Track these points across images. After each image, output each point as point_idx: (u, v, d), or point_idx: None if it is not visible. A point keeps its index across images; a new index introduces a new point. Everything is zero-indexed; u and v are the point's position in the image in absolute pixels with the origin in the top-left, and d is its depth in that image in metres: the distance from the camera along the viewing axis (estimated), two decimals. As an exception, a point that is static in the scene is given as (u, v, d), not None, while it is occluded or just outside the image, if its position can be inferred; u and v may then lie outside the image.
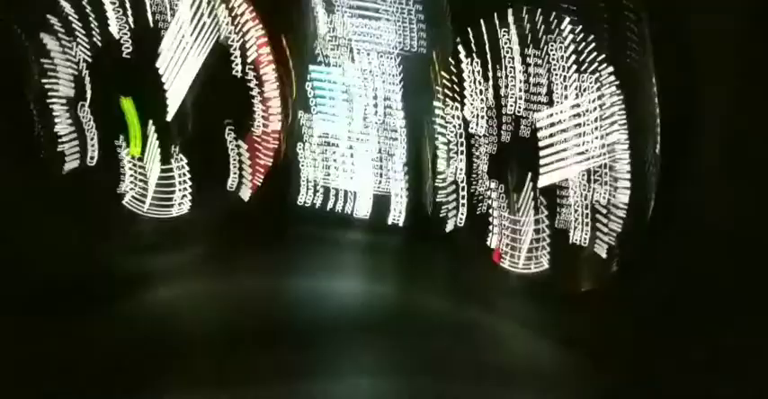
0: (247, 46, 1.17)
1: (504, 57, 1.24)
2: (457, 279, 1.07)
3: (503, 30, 1.24)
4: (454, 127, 1.24)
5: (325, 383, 0.57)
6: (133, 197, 1.13)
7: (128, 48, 1.14)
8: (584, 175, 1.28)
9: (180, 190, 1.15)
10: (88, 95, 1.11)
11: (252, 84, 1.17)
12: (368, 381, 0.59)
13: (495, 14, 1.24)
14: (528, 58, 1.25)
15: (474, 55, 1.21)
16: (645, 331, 1.07)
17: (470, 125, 1.26)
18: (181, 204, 1.15)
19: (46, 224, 1.03)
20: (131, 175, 1.13)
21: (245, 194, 1.17)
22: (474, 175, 1.25)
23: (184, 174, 1.14)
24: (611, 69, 1.27)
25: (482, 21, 1.24)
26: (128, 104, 1.12)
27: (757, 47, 0.97)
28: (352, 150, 1.23)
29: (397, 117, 1.25)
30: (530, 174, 1.23)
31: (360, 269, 0.96)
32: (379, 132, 1.24)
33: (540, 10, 1.27)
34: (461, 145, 1.25)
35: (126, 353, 0.67)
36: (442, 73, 1.19)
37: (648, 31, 1.17)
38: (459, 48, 1.18)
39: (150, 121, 1.12)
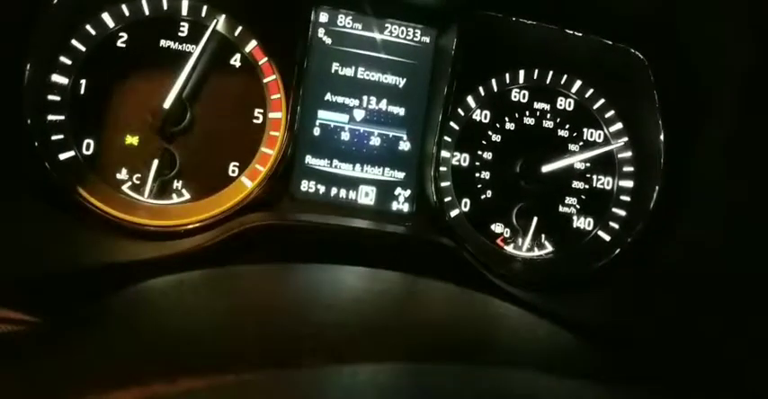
0: (243, 45, 1.15)
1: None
2: (461, 265, 1.06)
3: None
4: (459, 115, 1.26)
5: (328, 369, 0.55)
6: (132, 185, 1.11)
7: (122, 37, 1.15)
8: (588, 162, 1.29)
9: (180, 177, 1.13)
10: (83, 85, 1.08)
11: (249, 82, 1.15)
12: (371, 366, 0.57)
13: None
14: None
15: None
16: (648, 312, 1.07)
17: (475, 113, 1.30)
18: (181, 192, 1.13)
19: (40, 215, 1.00)
20: (130, 163, 1.10)
21: (247, 182, 1.15)
22: (478, 163, 1.27)
23: (185, 162, 1.12)
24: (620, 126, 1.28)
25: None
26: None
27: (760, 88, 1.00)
28: (355, 138, 1.22)
29: (403, 106, 1.24)
30: (535, 162, 1.24)
31: (364, 255, 0.94)
32: (383, 120, 1.24)
33: (551, 71, 1.28)
34: (466, 133, 1.27)
35: (127, 340, 0.64)
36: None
37: (654, 78, 1.19)
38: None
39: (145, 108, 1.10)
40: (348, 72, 1.21)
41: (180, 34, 1.14)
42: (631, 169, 1.27)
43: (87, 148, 1.09)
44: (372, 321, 0.71)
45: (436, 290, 0.91)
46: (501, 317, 0.88)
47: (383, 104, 1.22)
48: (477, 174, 1.24)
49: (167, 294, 0.78)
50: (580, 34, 1.21)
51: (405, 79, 1.23)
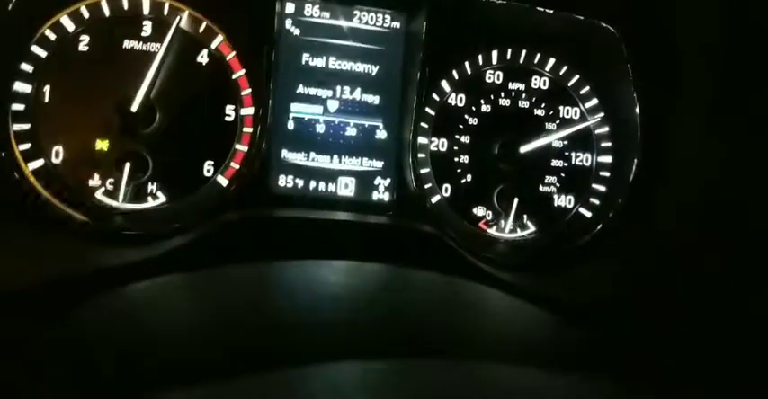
0: (209, 40, 1.13)
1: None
2: (445, 251, 1.06)
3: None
4: (435, 100, 1.24)
5: (311, 365, 0.55)
6: (105, 191, 1.08)
7: (83, 40, 1.10)
8: (566, 140, 1.29)
9: (154, 180, 1.11)
10: (47, 92, 1.05)
11: (218, 78, 1.13)
12: (355, 361, 0.57)
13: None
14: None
15: None
16: (634, 287, 1.08)
17: (450, 97, 1.28)
18: (156, 195, 1.11)
19: (12, 227, 0.98)
20: (101, 169, 1.08)
21: (223, 180, 1.13)
22: (456, 147, 1.26)
23: (159, 164, 1.10)
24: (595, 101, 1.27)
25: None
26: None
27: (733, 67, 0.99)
28: (331, 129, 1.20)
29: (377, 94, 1.22)
30: (513, 143, 1.23)
31: (347, 248, 0.93)
32: (358, 110, 1.21)
33: (524, 50, 1.26)
34: (442, 118, 1.25)
35: (114, 343, 0.64)
36: None
37: (627, 53, 1.17)
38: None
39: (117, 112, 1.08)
40: (319, 62, 1.19)
41: (143, 33, 1.11)
42: (609, 144, 1.27)
43: (56, 156, 1.07)
44: (356, 319, 0.70)
45: (422, 282, 0.91)
46: (488, 307, 0.88)
47: (357, 94, 1.21)
48: (456, 159, 1.24)
49: (146, 299, 0.77)
50: (551, 11, 1.20)
51: (377, 66, 1.21)
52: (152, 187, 1.11)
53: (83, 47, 1.08)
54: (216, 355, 0.58)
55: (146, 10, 1.11)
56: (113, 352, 0.58)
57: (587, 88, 1.28)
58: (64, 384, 0.53)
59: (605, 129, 1.27)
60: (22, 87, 1.05)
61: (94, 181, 1.08)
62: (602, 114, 1.27)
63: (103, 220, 1.05)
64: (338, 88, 1.20)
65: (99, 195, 1.08)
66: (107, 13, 1.10)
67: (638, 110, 1.19)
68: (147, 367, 0.55)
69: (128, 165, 1.07)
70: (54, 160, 1.07)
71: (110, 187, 1.08)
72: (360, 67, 1.21)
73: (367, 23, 1.21)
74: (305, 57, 1.18)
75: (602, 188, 1.26)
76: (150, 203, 1.10)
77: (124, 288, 0.77)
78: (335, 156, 1.19)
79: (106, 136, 1.08)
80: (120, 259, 0.92)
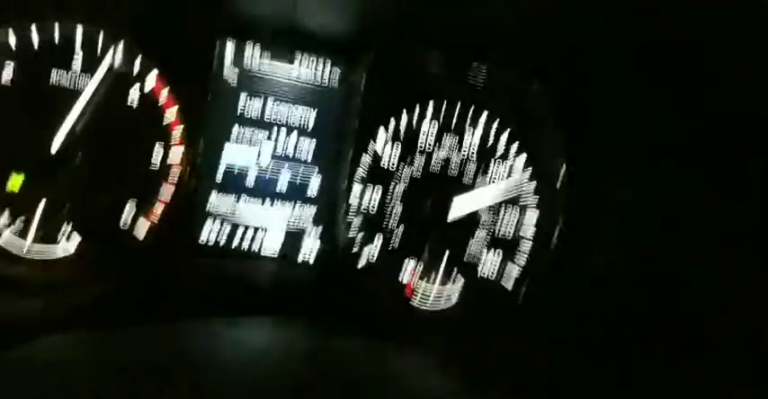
0: (143, 74, 1.10)
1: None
2: (368, 316, 1.05)
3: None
4: (367, 162, 1.24)
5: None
6: (14, 230, 1.02)
7: (8, 67, 1.02)
8: (492, 209, 1.31)
9: (66, 228, 1.06)
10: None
11: (149, 113, 1.10)
12: None
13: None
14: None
15: None
16: (552, 360, 1.10)
17: (383, 160, 1.27)
18: (69, 237, 1.06)
19: None
20: (13, 206, 1.02)
21: (141, 232, 1.09)
22: (390, 197, 1.26)
23: (71, 212, 1.05)
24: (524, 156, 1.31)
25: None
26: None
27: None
28: (263, 174, 1.19)
29: (312, 139, 1.23)
30: (445, 195, 1.25)
31: (267, 309, 0.91)
32: (292, 155, 1.21)
33: (459, 103, 1.29)
34: (375, 180, 1.25)
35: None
36: None
37: (556, 110, 1.23)
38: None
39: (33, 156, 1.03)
40: (256, 104, 1.18)
41: (74, 65, 1.07)
42: (536, 200, 1.31)
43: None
44: (275, 380, 0.69)
45: (341, 348, 0.89)
46: (406, 372, 0.88)
47: (293, 138, 1.20)
48: (389, 209, 1.25)
49: (44, 358, 0.73)
50: (485, 66, 1.24)
51: (315, 112, 1.22)
52: (66, 229, 1.05)
53: (6, 75, 1.03)
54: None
55: (78, 39, 1.07)
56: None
57: (517, 143, 1.32)
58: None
59: (533, 186, 1.32)
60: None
61: (3, 218, 1.02)
62: (530, 169, 1.32)
63: (8, 266, 0.99)
64: (274, 131, 1.19)
65: (7, 234, 1.02)
66: (36, 39, 1.05)
67: (564, 168, 1.24)
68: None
69: (42, 203, 1.02)
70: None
71: (20, 226, 1.03)
72: (297, 112, 1.20)
73: (307, 68, 1.21)
74: (242, 98, 1.17)
75: (527, 244, 1.30)
76: (62, 246, 1.05)
77: (21, 344, 0.73)
78: (266, 203, 1.18)
79: (22, 170, 1.02)
80: (23, 309, 0.87)
